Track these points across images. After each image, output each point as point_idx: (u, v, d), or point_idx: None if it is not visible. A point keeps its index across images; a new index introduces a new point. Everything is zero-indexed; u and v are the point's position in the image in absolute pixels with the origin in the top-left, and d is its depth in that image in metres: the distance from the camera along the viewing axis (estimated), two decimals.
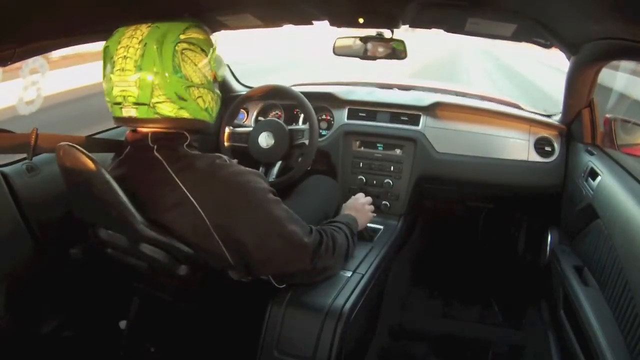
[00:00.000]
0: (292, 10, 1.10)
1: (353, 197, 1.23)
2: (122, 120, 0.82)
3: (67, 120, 3.47)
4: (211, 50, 0.85)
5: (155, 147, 0.81)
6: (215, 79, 0.87)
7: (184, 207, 0.79)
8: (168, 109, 0.80)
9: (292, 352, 0.87)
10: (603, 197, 1.00)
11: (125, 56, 0.77)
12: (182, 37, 0.80)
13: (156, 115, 0.80)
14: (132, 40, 0.78)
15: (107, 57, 0.81)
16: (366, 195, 1.26)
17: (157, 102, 0.79)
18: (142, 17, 0.80)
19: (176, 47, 0.78)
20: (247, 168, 0.85)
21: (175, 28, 0.80)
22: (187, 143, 0.84)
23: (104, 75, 0.81)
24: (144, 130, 0.84)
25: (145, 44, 0.77)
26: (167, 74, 0.78)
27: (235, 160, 0.90)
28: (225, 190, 0.80)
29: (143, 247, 0.80)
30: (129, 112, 0.79)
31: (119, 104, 0.80)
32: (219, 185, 0.80)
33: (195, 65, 0.81)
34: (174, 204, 0.79)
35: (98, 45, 0.89)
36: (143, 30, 0.78)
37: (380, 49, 1.31)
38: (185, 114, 0.82)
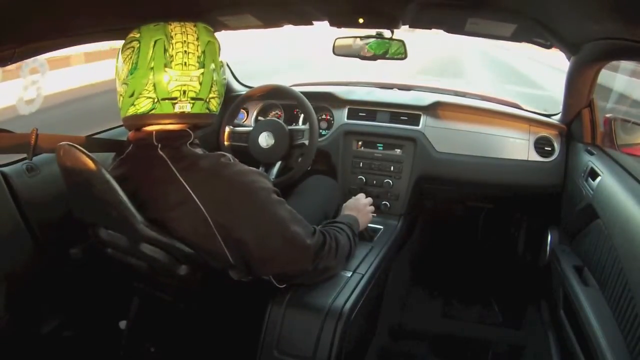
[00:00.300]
0: (292, 11, 1.10)
1: (354, 197, 1.22)
2: (167, 117, 0.80)
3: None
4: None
5: (160, 145, 0.81)
6: None
7: (187, 205, 0.78)
8: (215, 104, 0.85)
9: (292, 352, 0.87)
10: (603, 197, 1.00)
11: (186, 51, 0.79)
12: (212, 38, 0.84)
13: (206, 111, 0.83)
14: (187, 36, 0.80)
15: (159, 51, 0.77)
16: (366, 195, 1.26)
17: (212, 97, 0.83)
18: (142, 17, 0.80)
19: (214, 47, 0.84)
20: (251, 167, 0.85)
21: (204, 26, 0.84)
22: (190, 142, 0.84)
23: (150, 70, 0.78)
24: (149, 129, 0.83)
25: (208, 41, 0.82)
26: (219, 71, 0.84)
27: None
28: (228, 190, 0.80)
29: (143, 247, 0.80)
30: (184, 107, 0.80)
31: (174, 98, 0.79)
32: (223, 184, 0.80)
33: (220, 61, 0.86)
34: (176, 202, 0.79)
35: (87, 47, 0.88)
36: (189, 27, 0.81)
37: (380, 49, 1.31)
38: (216, 109, 0.86)
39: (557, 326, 1.17)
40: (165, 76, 0.78)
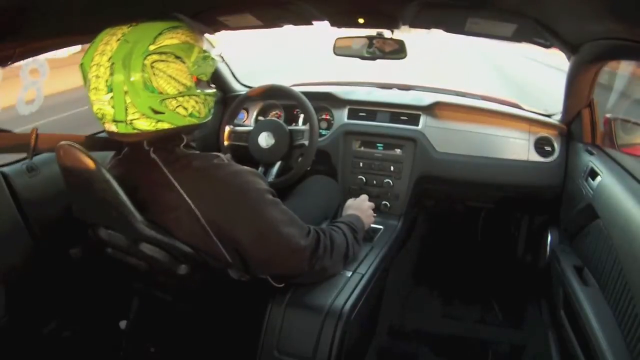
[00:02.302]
0: (292, 11, 1.09)
1: (358, 198, 1.22)
2: (109, 134, 0.82)
3: None
4: (191, 54, 0.80)
5: (152, 149, 0.81)
6: (199, 80, 0.83)
7: (182, 208, 0.78)
8: (145, 124, 0.78)
9: (292, 352, 0.87)
10: (603, 197, 1.00)
11: (97, 76, 0.76)
12: (151, 47, 0.76)
13: (135, 131, 0.78)
14: (102, 57, 0.75)
15: (83, 75, 0.79)
16: (366, 196, 1.26)
17: (133, 119, 0.77)
18: (142, 16, 0.80)
19: (145, 62, 0.75)
20: (246, 167, 0.85)
21: (145, 38, 0.76)
22: (183, 144, 0.84)
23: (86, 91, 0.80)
24: None
25: (113, 63, 0.75)
26: (137, 91, 0.75)
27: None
28: (222, 190, 0.80)
29: (143, 246, 0.80)
30: (110, 127, 0.79)
31: (101, 119, 0.79)
32: (216, 185, 0.80)
33: (169, 76, 0.77)
34: (170, 205, 0.79)
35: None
36: (113, 44, 0.76)
37: (380, 49, 1.31)
38: (165, 125, 0.79)
39: (557, 326, 1.17)
40: (90, 100, 0.79)
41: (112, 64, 0.75)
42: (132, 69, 0.75)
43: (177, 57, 0.78)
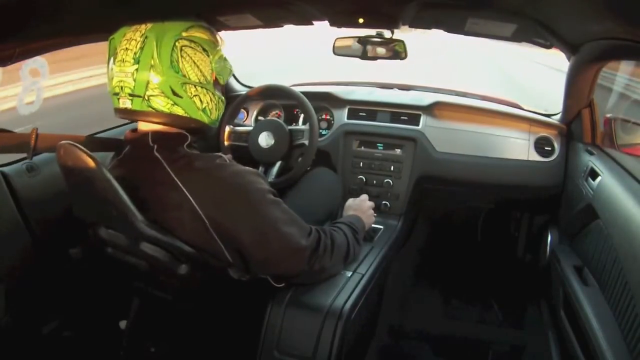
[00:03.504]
0: (292, 10, 1.09)
1: (358, 198, 1.22)
2: (119, 112, 0.83)
3: None
4: (215, 52, 0.85)
5: (156, 146, 0.81)
6: (217, 81, 0.87)
7: (184, 207, 0.78)
8: (162, 104, 0.80)
9: (292, 352, 0.87)
10: (603, 197, 1.00)
11: (126, 48, 0.79)
12: (184, 34, 0.80)
13: (149, 109, 0.80)
14: (135, 33, 0.79)
15: (111, 49, 0.82)
16: (367, 196, 1.26)
17: (152, 95, 0.79)
18: (143, 17, 0.80)
19: (176, 43, 0.79)
20: (247, 168, 0.85)
21: (179, 25, 0.81)
22: (187, 143, 0.84)
23: (108, 67, 0.82)
24: (144, 129, 0.84)
25: (146, 37, 0.78)
26: (162, 68, 0.78)
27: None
28: (224, 190, 0.80)
29: (143, 246, 0.80)
30: (125, 103, 0.80)
31: (117, 94, 0.81)
32: (218, 185, 0.80)
33: (194, 63, 0.81)
34: (173, 204, 0.79)
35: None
36: (148, 25, 0.79)
37: (380, 49, 1.31)
38: (179, 111, 0.82)
39: (557, 326, 1.17)
40: (110, 72, 0.81)
41: (146, 37, 0.78)
42: (163, 46, 0.78)
43: (204, 50, 0.83)
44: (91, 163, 0.76)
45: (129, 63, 0.78)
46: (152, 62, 0.78)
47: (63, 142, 0.80)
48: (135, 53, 0.78)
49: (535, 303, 1.46)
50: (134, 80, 0.78)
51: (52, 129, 0.98)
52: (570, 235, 1.23)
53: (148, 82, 0.79)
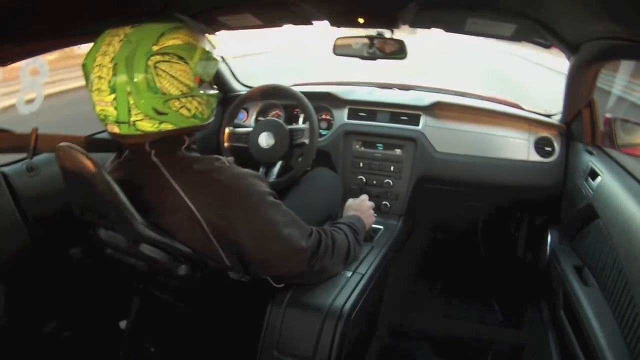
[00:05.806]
0: (292, 10, 1.09)
1: (358, 198, 1.22)
2: (111, 135, 0.82)
3: None
4: (194, 55, 0.79)
5: (153, 151, 0.81)
6: (201, 81, 0.82)
7: (182, 210, 0.78)
8: (149, 125, 0.78)
9: (292, 352, 0.87)
10: (603, 197, 1.00)
11: (100, 77, 0.75)
12: (154, 48, 0.75)
13: (138, 132, 0.78)
14: (105, 58, 0.75)
15: (85, 75, 0.79)
16: (367, 196, 1.26)
17: (136, 120, 0.77)
18: (142, 17, 0.80)
19: (148, 62, 0.75)
20: (246, 170, 0.85)
21: (148, 38, 0.75)
22: (185, 146, 0.84)
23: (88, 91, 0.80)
24: None
25: (116, 63, 0.74)
26: (141, 92, 0.75)
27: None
28: (223, 193, 0.79)
29: (143, 247, 0.80)
30: (113, 128, 0.79)
31: (103, 120, 0.80)
32: (217, 187, 0.79)
33: (173, 77, 0.77)
34: (171, 208, 0.79)
35: None
36: (115, 45, 0.75)
37: (380, 49, 1.32)
38: (168, 127, 0.79)
39: (557, 326, 1.17)
40: (91, 100, 0.79)
41: (115, 64, 0.74)
42: (136, 70, 0.74)
43: (180, 58, 0.77)
44: (90, 165, 0.76)
45: (105, 92, 0.75)
46: (128, 88, 0.75)
47: (62, 144, 0.80)
48: (109, 82, 0.75)
49: (535, 303, 1.46)
50: (115, 109, 0.76)
51: (51, 128, 0.98)
52: (570, 235, 1.22)
53: (130, 109, 0.76)
